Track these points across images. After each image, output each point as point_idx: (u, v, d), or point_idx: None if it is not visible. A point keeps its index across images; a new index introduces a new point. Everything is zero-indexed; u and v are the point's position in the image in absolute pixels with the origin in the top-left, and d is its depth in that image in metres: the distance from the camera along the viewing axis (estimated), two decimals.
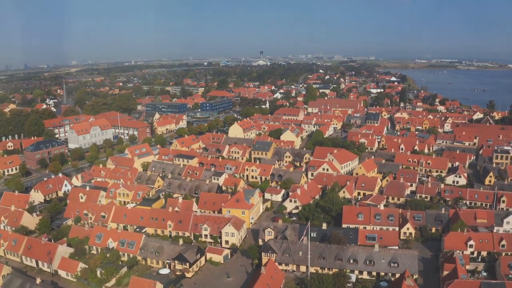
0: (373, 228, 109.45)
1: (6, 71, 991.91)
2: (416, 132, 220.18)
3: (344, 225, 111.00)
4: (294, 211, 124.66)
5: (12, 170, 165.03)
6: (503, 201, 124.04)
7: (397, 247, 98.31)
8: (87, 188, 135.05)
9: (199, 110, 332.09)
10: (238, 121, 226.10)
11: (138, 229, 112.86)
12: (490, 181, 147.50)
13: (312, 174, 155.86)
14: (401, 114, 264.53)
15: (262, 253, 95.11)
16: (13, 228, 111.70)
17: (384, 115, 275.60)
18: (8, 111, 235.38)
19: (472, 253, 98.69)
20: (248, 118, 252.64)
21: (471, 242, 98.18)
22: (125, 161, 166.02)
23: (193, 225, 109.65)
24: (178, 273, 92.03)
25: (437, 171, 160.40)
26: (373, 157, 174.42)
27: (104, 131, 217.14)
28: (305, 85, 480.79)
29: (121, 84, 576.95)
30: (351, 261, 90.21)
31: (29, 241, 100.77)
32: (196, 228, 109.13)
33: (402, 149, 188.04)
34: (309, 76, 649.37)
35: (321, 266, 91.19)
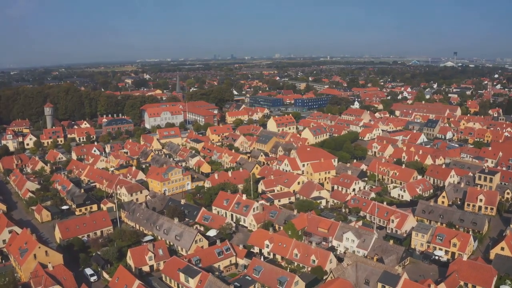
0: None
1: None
2: (448, 143, 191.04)
3: (213, 208, 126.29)
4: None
5: (83, 138, 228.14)
6: (392, 221, 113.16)
7: None
8: (96, 153, 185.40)
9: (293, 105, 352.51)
10: (274, 116, 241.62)
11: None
12: (443, 202, 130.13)
13: (277, 167, 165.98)
14: (474, 124, 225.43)
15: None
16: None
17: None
18: (119, 95, 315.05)
19: (269, 253, 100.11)
20: (287, 115, 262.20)
21: (267, 242, 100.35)
22: (149, 139, 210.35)
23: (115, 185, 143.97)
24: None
25: (401, 183, 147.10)
26: (354, 160, 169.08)
27: (174, 116, 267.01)
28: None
29: (277, 78, 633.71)
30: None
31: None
32: (116, 187, 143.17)
33: (404, 157, 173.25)
34: (484, 80, 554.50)
35: None
